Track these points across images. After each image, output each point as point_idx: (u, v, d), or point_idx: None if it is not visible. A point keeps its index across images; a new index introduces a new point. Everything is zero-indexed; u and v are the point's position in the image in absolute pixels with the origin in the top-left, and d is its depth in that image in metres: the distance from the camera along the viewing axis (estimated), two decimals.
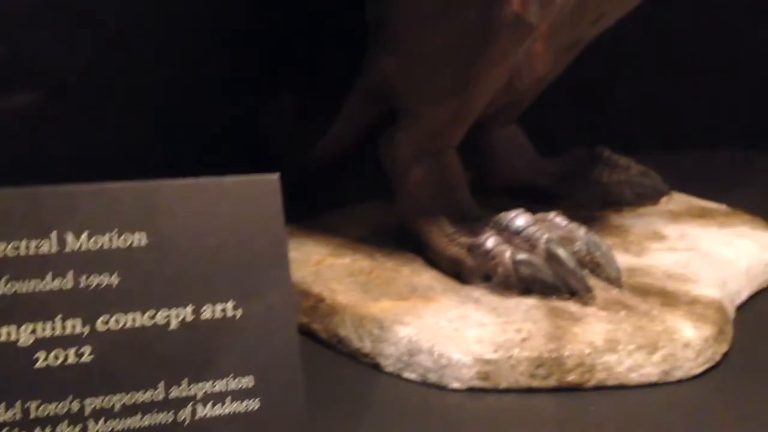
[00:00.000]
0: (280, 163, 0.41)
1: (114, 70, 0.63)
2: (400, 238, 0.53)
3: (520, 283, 0.45)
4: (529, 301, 0.44)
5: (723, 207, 0.60)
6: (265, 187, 0.33)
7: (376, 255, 0.51)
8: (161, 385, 0.31)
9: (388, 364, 0.43)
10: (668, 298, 0.45)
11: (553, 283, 0.44)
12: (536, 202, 0.59)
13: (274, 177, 0.33)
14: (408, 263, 0.50)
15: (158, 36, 0.63)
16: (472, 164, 0.60)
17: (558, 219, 0.48)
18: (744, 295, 0.49)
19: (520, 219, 0.46)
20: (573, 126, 0.77)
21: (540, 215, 0.48)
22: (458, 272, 0.47)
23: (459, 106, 0.47)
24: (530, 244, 0.45)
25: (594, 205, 0.59)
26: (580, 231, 0.47)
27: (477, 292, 0.46)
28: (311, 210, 0.60)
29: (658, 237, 0.54)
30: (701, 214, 0.58)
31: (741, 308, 0.48)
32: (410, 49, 0.47)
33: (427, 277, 0.48)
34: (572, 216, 0.56)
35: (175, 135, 0.66)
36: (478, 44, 0.44)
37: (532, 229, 0.46)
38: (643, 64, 0.82)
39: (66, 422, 0.29)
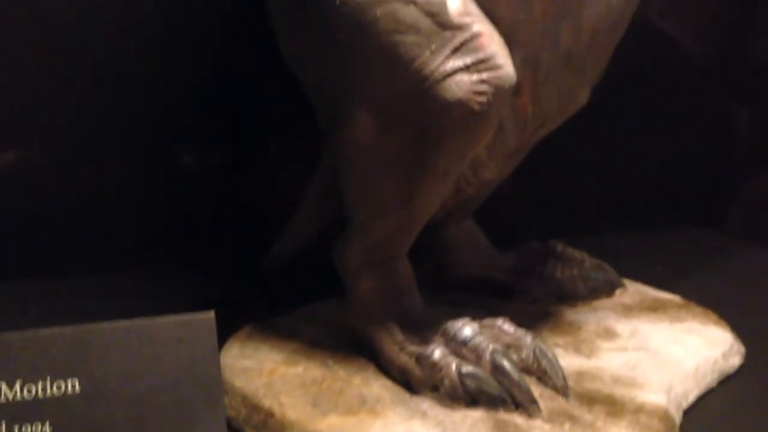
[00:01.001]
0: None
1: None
2: (354, 341, 0.54)
3: (467, 396, 0.45)
4: (476, 414, 0.45)
5: (676, 298, 0.61)
6: (200, 327, 0.34)
7: (329, 362, 0.51)
8: None
9: None
10: (614, 407, 0.46)
11: (498, 395, 0.45)
12: (492, 296, 0.61)
13: (209, 315, 0.34)
14: (360, 371, 0.50)
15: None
16: (428, 260, 0.61)
17: (506, 326, 0.49)
18: (691, 398, 0.50)
19: (466, 329, 0.47)
20: (525, 208, 0.79)
21: (488, 321, 0.49)
22: (408, 382, 0.47)
23: (404, 218, 0.48)
24: (476, 355, 0.46)
25: (548, 300, 0.60)
26: (528, 338, 0.48)
27: (425, 404, 0.46)
28: (272, 308, 0.61)
29: (610, 335, 0.55)
30: (654, 307, 0.59)
31: (688, 412, 0.49)
32: (356, 161, 0.48)
33: (378, 387, 0.48)
34: (527, 311, 0.58)
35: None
36: (420, 159, 0.46)
37: (478, 339, 0.47)
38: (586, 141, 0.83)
39: None
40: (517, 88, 0.45)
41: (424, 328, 0.49)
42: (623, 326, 0.56)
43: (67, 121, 0.66)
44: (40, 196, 0.66)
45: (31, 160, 0.67)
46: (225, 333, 0.57)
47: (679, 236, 0.84)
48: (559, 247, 0.61)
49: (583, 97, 0.53)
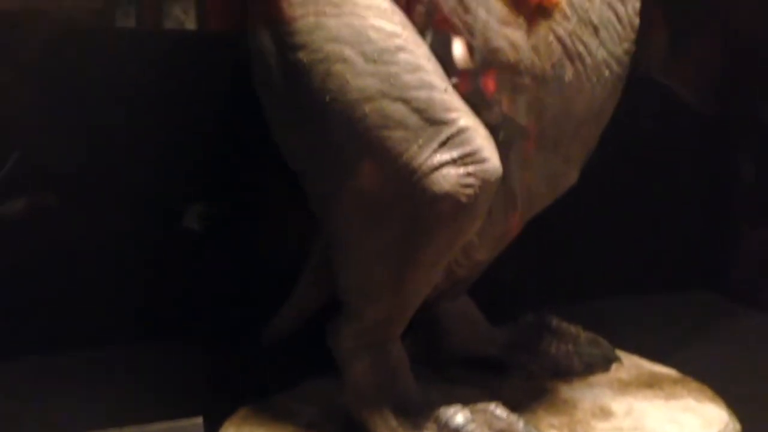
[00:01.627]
0: None
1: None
2: (348, 423, 0.54)
3: None
4: None
5: (672, 372, 0.61)
6: None
7: None
8: None
9: None
10: None
11: None
12: (487, 371, 0.61)
13: (198, 421, 0.34)
14: None
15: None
16: (424, 337, 0.61)
17: (498, 411, 0.49)
18: None
19: (459, 416, 0.47)
20: (522, 272, 0.78)
21: (481, 406, 0.49)
22: None
23: (396, 305, 0.49)
24: None
25: (544, 376, 0.60)
26: (520, 424, 0.48)
27: None
28: (269, 386, 0.62)
29: (605, 414, 0.55)
30: (650, 383, 0.59)
31: None
32: (346, 249, 0.49)
33: None
34: (522, 388, 0.58)
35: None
36: (410, 250, 0.46)
37: (470, 426, 0.47)
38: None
39: None
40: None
41: (417, 414, 0.49)
42: (618, 404, 0.56)
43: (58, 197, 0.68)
44: (32, 273, 0.68)
45: (28, 234, 0.68)
46: (223, 409, 0.58)
47: (678, 300, 0.84)
48: (554, 321, 0.62)
49: (571, 179, 0.54)
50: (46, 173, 0.67)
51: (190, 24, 0.69)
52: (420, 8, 0.45)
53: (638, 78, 0.84)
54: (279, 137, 0.50)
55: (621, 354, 0.63)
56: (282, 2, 0.46)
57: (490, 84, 0.46)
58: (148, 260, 0.69)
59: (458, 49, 0.46)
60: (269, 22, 0.47)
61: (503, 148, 0.46)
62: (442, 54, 0.45)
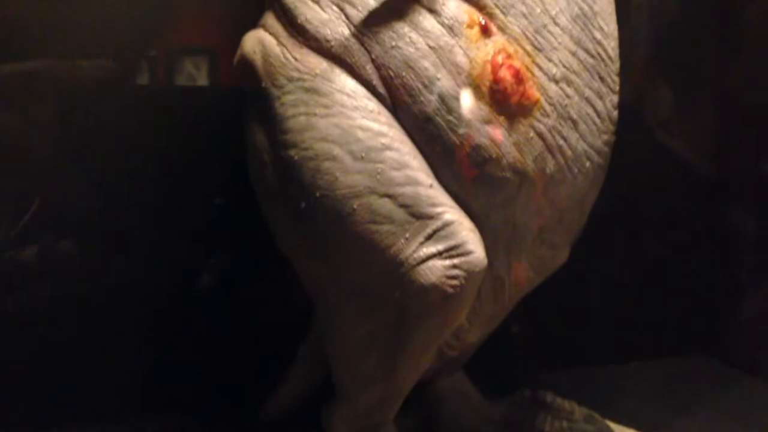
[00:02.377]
0: None
1: None
2: None
3: None
4: None
5: None
6: None
7: None
8: None
9: None
10: None
11: None
12: None
13: None
14: None
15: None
16: (419, 413, 0.62)
17: None
18: None
19: None
20: (519, 339, 0.79)
21: None
22: None
23: (388, 390, 0.50)
24: None
25: None
26: None
27: None
28: None
29: None
30: None
31: None
32: (338, 335, 0.50)
33: None
34: None
35: None
36: (399, 338, 0.48)
37: None
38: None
39: None
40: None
41: None
42: None
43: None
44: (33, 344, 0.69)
45: (26, 305, 0.70)
46: None
47: (677, 366, 0.84)
48: (549, 397, 0.62)
49: (561, 259, 0.56)
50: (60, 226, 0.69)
51: (203, 80, 0.71)
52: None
53: (638, 139, 0.87)
54: (273, 228, 0.52)
55: (617, 428, 0.64)
56: (275, 102, 0.48)
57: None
58: (149, 333, 0.70)
59: (466, 100, 0.48)
60: (263, 120, 0.49)
61: (490, 236, 0.48)
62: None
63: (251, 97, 0.51)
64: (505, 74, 0.46)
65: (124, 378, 0.70)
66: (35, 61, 0.65)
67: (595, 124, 0.50)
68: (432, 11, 0.46)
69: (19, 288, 0.67)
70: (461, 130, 0.46)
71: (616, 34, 0.51)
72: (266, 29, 0.50)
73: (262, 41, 0.50)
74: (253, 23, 0.54)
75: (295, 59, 0.48)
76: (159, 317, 0.71)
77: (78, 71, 0.67)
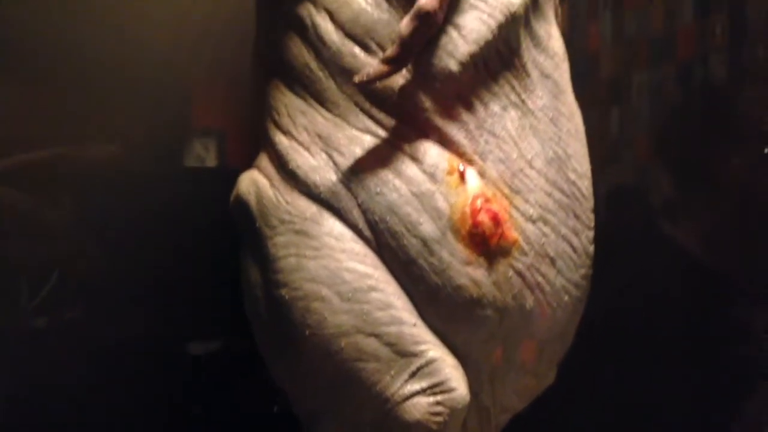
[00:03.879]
0: None
1: None
2: None
3: None
4: None
5: None
6: None
7: None
8: None
9: None
10: None
11: None
12: None
13: None
14: None
15: None
16: None
17: None
18: None
19: None
20: None
21: None
22: None
23: None
24: None
25: None
26: None
27: None
28: None
29: None
30: None
31: None
32: None
33: None
34: None
35: None
36: None
37: None
38: None
39: None
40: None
41: None
42: None
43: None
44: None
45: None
46: None
47: None
48: None
49: (546, 383, 0.57)
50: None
51: (211, 161, 0.73)
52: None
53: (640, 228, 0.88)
54: (266, 359, 0.54)
55: None
56: (268, 242, 0.51)
57: None
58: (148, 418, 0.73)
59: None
60: (257, 258, 0.52)
61: (473, 370, 0.50)
62: None
63: (246, 235, 0.54)
64: (484, 218, 0.49)
65: None
66: (50, 149, 0.68)
67: (572, 259, 0.52)
68: (414, 159, 0.50)
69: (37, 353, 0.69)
70: (443, 272, 0.49)
71: (589, 173, 0.54)
72: (260, 171, 0.54)
73: (257, 183, 0.53)
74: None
75: (287, 202, 0.51)
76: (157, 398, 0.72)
77: (88, 155, 0.71)
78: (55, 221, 0.70)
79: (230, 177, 0.75)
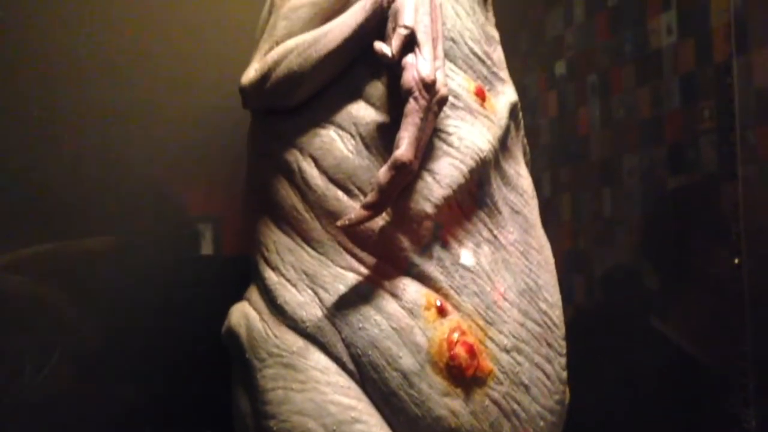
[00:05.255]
0: None
1: None
2: None
3: None
4: None
5: None
6: None
7: None
8: None
9: None
10: None
11: None
12: None
13: None
14: None
15: None
16: None
17: None
18: None
19: None
20: None
21: None
22: None
23: None
24: None
25: None
26: None
27: None
28: None
29: None
30: None
31: None
32: None
33: None
34: None
35: None
36: None
37: None
38: None
39: None
40: None
41: None
42: None
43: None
44: None
45: None
46: None
47: None
48: None
49: None
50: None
51: (207, 248, 0.76)
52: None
53: (630, 331, 0.89)
54: None
55: None
56: (257, 373, 0.54)
57: None
58: None
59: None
60: (247, 388, 0.55)
61: None
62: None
63: (237, 364, 0.57)
64: (460, 351, 0.52)
65: None
66: (50, 244, 0.72)
67: (546, 386, 0.55)
68: (394, 295, 0.53)
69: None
70: (423, 404, 0.51)
71: (560, 303, 0.58)
72: (250, 303, 0.57)
73: (247, 316, 0.56)
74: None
75: (275, 336, 0.54)
76: None
77: (86, 247, 0.74)
78: (56, 306, 0.73)
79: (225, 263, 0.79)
